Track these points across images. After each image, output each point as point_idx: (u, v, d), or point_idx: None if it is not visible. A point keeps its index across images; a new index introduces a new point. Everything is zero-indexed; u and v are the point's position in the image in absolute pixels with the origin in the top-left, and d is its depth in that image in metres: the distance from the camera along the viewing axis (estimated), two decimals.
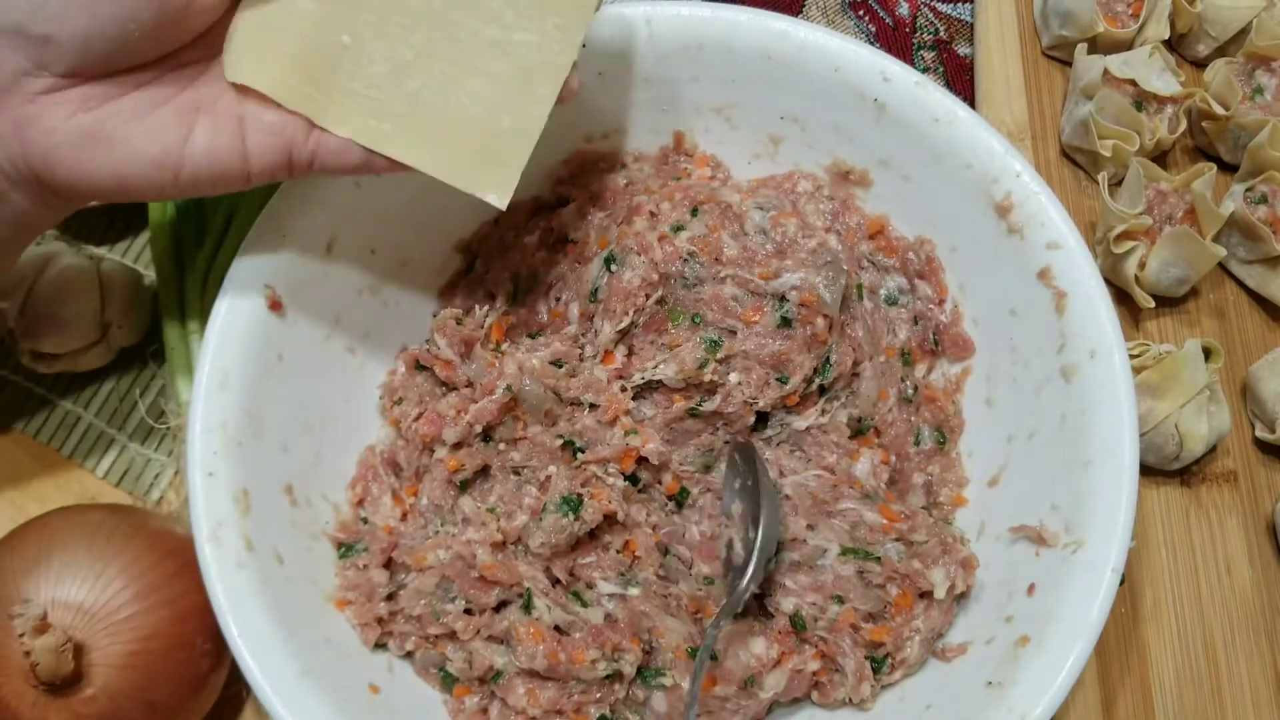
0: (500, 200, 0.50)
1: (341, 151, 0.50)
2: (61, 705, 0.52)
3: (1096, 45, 0.79)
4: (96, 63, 0.46)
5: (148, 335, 0.70)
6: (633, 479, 0.58)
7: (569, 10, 0.51)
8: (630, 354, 0.60)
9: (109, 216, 0.74)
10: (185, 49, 0.49)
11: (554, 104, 0.51)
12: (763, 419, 0.61)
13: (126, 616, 0.53)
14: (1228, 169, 0.78)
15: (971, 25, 0.85)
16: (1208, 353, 0.68)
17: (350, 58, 0.50)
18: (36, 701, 0.52)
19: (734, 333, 0.59)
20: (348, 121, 0.50)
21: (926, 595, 0.56)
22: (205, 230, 0.67)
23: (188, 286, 0.67)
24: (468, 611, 0.55)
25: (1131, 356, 0.64)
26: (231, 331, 0.55)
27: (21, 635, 0.50)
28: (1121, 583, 0.53)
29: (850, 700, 0.56)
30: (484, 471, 0.59)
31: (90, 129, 0.47)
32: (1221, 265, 0.75)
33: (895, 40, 0.85)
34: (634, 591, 0.56)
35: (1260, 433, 0.71)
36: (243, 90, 0.49)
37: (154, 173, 0.48)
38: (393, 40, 0.50)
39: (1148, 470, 0.69)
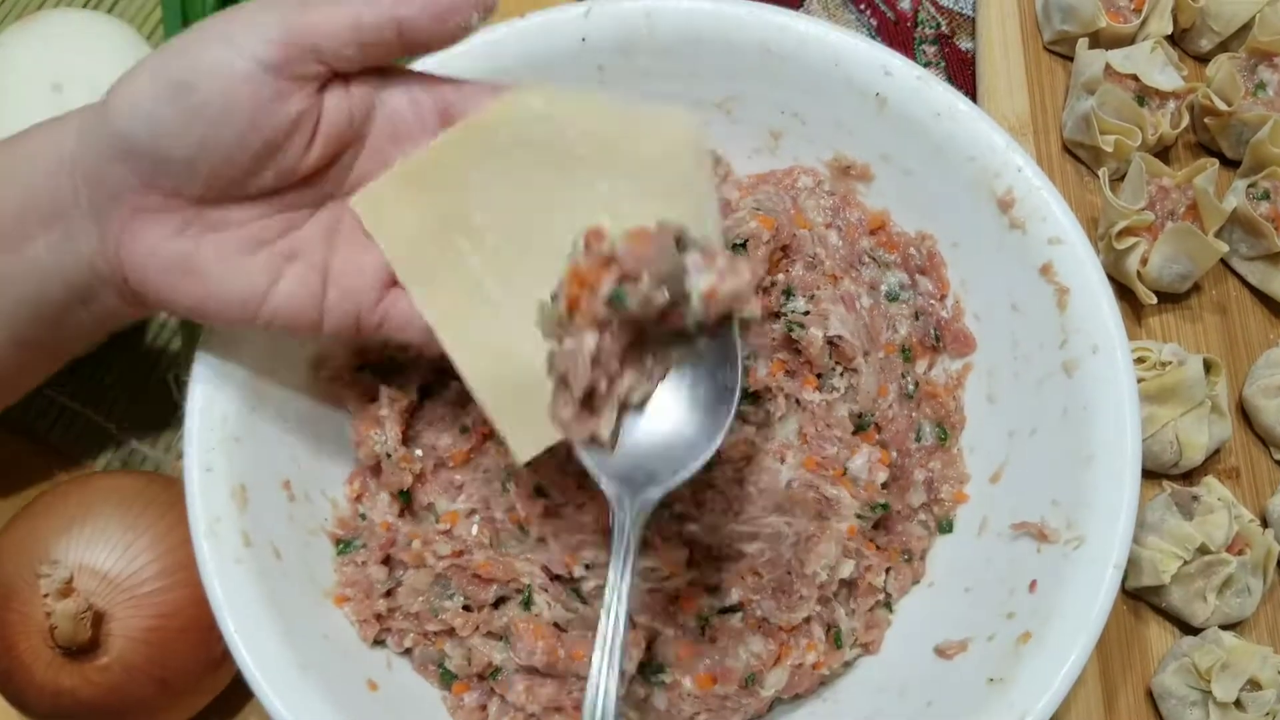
0: (518, 455, 0.49)
1: (405, 326, 0.51)
2: (75, 670, 0.53)
3: (1098, 40, 0.78)
4: (204, 188, 0.46)
5: (145, 323, 0.71)
6: None
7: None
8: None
9: None
10: (295, 191, 0.48)
11: None
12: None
13: (149, 591, 0.54)
14: (1230, 165, 0.78)
15: (973, 20, 0.85)
16: (1208, 366, 0.68)
17: (471, 241, 0.50)
18: (52, 662, 0.53)
19: None
20: (435, 304, 0.50)
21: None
22: None
23: None
24: (466, 608, 0.55)
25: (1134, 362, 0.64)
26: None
27: (45, 596, 0.51)
28: (1124, 579, 0.53)
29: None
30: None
31: (184, 258, 0.47)
32: (1223, 261, 0.75)
33: (897, 34, 0.85)
34: None
35: (1277, 455, 0.70)
36: (337, 237, 0.50)
37: (233, 311, 0.48)
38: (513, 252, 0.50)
39: (1146, 473, 0.68)
